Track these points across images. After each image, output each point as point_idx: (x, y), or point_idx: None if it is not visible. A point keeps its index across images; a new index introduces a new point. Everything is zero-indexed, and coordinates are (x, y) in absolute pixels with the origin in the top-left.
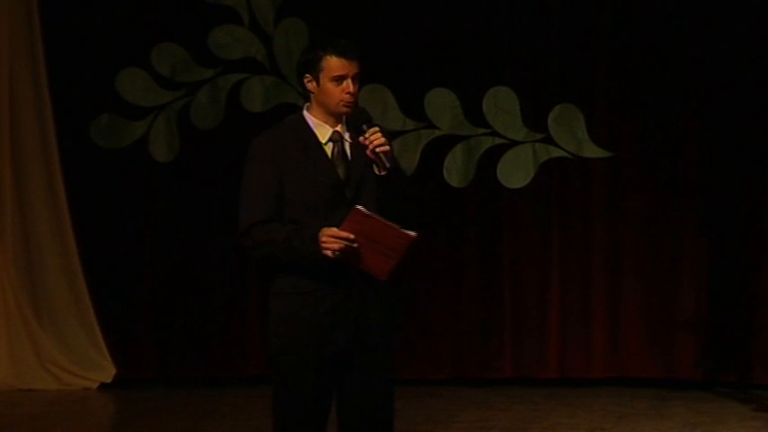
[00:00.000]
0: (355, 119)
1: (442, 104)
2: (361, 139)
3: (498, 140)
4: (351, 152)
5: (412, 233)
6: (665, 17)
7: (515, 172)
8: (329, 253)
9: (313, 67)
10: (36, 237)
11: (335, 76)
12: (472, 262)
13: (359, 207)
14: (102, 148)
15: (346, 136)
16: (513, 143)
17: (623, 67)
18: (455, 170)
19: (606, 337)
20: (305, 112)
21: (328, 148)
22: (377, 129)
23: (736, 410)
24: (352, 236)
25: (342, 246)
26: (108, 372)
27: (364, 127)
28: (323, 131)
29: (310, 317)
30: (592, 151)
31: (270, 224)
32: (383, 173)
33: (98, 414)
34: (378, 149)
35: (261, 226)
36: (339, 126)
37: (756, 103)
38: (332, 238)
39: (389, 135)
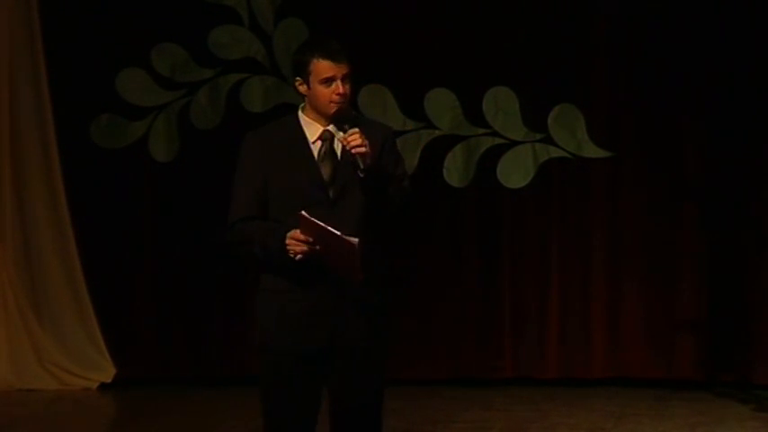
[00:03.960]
0: (340, 118)
1: (441, 104)
2: (340, 137)
3: (498, 140)
4: (341, 151)
5: (354, 240)
6: (665, 17)
7: (515, 172)
8: (292, 255)
9: (302, 70)
10: (36, 237)
11: (324, 79)
12: (472, 262)
13: (303, 213)
14: (102, 148)
15: (340, 135)
16: (513, 143)
17: (623, 68)
18: (455, 170)
19: (606, 337)
20: (299, 112)
21: (317, 147)
22: (356, 130)
23: (736, 410)
24: (310, 239)
25: (304, 249)
26: (108, 372)
27: (345, 127)
28: (313, 130)
29: (287, 315)
30: (592, 151)
31: (251, 222)
32: (361, 174)
33: (98, 414)
34: (354, 150)
35: (242, 223)
36: (331, 125)
37: (756, 103)
38: (294, 241)
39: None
